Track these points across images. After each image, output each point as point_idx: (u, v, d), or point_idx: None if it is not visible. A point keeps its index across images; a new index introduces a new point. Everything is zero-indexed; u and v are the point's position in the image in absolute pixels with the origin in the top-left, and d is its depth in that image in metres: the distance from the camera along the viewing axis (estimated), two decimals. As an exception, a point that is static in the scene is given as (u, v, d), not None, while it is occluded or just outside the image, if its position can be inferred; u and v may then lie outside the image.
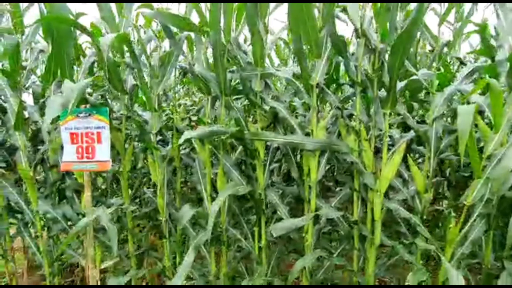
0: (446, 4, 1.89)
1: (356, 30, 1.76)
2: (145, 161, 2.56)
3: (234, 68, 2.13)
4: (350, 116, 2.08)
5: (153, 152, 2.08)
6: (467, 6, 1.87)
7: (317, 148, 1.81)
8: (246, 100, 2.70)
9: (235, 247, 2.21)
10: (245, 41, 2.88)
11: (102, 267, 2.30)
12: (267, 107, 2.02)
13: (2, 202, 2.32)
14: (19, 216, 2.48)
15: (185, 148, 2.46)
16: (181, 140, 1.47)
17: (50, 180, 2.32)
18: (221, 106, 1.87)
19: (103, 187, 2.99)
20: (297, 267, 1.84)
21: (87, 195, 1.90)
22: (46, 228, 2.37)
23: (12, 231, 2.54)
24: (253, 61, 1.91)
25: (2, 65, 2.07)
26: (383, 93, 1.90)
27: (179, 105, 2.40)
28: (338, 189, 2.73)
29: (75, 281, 3.01)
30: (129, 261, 2.35)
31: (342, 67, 2.66)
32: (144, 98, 3.09)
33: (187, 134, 1.49)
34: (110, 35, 1.64)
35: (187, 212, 1.81)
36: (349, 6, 1.46)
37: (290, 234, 2.13)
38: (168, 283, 2.19)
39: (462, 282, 1.42)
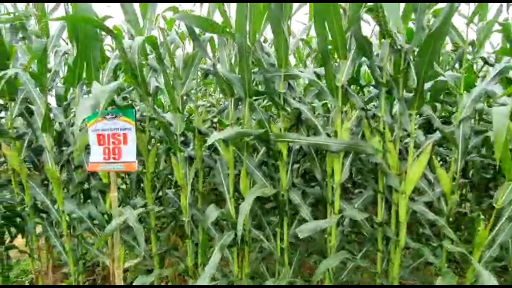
0: (473, 4, 1.86)
1: (385, 30, 1.74)
2: (165, 162, 2.58)
3: (256, 69, 2.14)
4: (373, 117, 2.06)
5: (176, 153, 2.11)
6: (494, 6, 1.84)
7: (341, 149, 1.81)
8: (265, 101, 2.72)
9: (257, 248, 2.21)
10: (264, 42, 2.88)
11: (126, 266, 2.34)
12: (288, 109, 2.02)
13: (29, 202, 2.37)
14: (44, 215, 2.53)
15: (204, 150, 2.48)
16: (210, 141, 1.48)
17: (75, 180, 2.36)
18: (245, 108, 1.87)
19: (122, 187, 3.04)
20: (321, 269, 1.84)
21: (113, 195, 1.93)
22: (71, 228, 2.42)
23: (37, 230, 2.60)
24: (276, 62, 1.91)
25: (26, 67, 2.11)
26: (407, 94, 1.89)
27: (197, 106, 2.42)
28: (356, 190, 2.72)
29: (97, 279, 3.06)
30: (151, 261, 2.38)
31: (362, 69, 2.66)
32: (163, 100, 3.14)
33: (215, 136, 1.50)
34: (139, 37, 1.66)
35: (212, 213, 1.82)
36: (387, 6, 1.45)
37: (311, 235, 2.13)
38: (191, 282, 2.22)
39: (495, 282, 1.40)
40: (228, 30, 1.83)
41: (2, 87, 2.08)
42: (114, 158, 1.90)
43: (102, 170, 1.92)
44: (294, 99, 2.02)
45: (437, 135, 1.97)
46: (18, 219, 2.59)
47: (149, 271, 2.57)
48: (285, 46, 1.82)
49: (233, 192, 2.05)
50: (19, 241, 2.78)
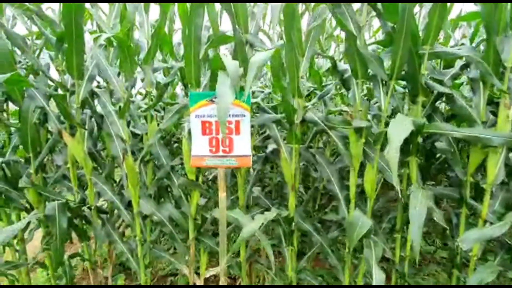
0: None
1: None
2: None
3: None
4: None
5: (282, 146, 1.77)
6: None
7: (504, 143, 1.52)
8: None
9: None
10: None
11: (207, 276, 2.01)
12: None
13: (94, 201, 2.00)
14: (104, 216, 2.16)
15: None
16: (402, 137, 1.14)
17: (151, 177, 2.00)
18: (388, 93, 1.55)
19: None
20: (472, 283, 1.56)
21: (221, 195, 1.58)
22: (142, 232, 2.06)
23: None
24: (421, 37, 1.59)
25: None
26: None
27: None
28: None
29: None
30: (236, 269, 2.06)
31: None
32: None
33: (406, 127, 1.17)
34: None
35: (360, 218, 1.49)
36: None
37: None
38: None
39: None
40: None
41: (70, 62, 1.69)
42: (224, 151, 1.55)
43: (209, 166, 1.57)
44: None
45: None
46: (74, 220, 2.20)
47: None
48: (440, 17, 1.50)
49: (355, 194, 1.74)
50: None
